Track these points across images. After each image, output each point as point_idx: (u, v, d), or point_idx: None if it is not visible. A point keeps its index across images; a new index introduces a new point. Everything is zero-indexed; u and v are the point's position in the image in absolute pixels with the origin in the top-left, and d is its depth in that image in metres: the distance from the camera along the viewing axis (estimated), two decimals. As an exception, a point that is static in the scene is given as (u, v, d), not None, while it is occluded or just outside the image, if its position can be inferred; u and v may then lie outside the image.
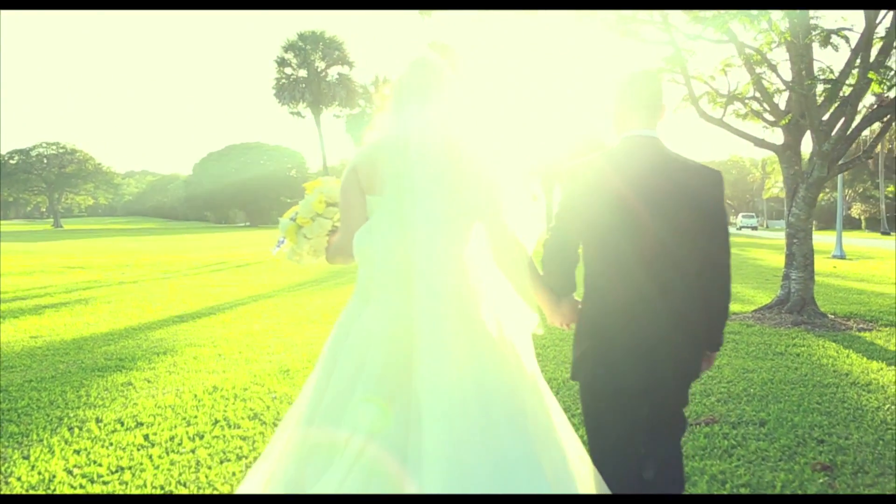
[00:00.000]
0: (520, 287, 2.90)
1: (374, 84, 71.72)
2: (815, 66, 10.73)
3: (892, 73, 10.24)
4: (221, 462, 4.81)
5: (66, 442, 5.21)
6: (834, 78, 10.35)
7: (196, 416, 5.80)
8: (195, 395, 6.42)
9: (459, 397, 2.53)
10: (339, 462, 2.58)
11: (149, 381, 7.00)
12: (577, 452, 2.84)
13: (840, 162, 10.74)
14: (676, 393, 3.19)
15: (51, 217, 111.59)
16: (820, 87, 10.51)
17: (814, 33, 9.82)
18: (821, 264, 11.44)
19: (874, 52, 9.73)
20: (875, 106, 11.60)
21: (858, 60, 9.86)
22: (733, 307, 11.10)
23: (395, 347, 2.67)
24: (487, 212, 2.81)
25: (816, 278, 11.31)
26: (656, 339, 2.97)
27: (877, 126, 11.47)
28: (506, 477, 2.50)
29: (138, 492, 4.33)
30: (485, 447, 2.50)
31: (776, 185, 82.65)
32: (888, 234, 62.53)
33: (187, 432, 5.40)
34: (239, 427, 5.55)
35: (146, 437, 5.31)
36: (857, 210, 78.46)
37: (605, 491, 2.87)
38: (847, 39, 9.72)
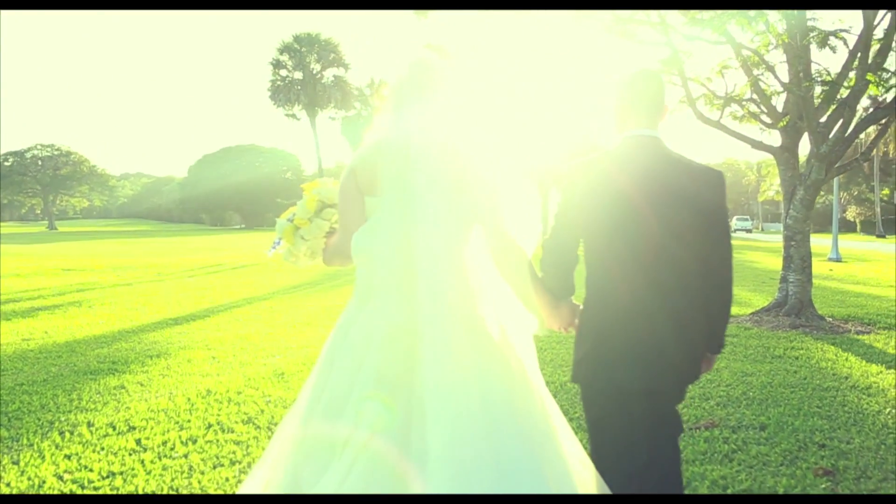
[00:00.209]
0: (519, 290, 2.87)
1: (370, 86, 71.75)
2: (813, 67, 10.69)
3: (889, 74, 10.21)
4: (214, 467, 4.73)
5: (56, 447, 5.13)
6: (831, 80, 10.31)
7: (189, 421, 5.72)
8: (188, 399, 6.34)
9: (464, 402, 2.50)
10: (338, 463, 2.54)
11: (142, 385, 6.92)
12: (578, 457, 2.82)
13: (837, 164, 10.70)
14: (677, 394, 3.17)
15: (45, 219, 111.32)
16: (818, 89, 10.47)
17: (811, 35, 9.77)
18: (817, 267, 11.42)
19: (872, 53, 9.69)
20: (871, 109, 11.58)
21: (856, 62, 9.82)
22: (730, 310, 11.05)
23: (394, 348, 2.65)
24: (487, 214, 2.78)
25: (813, 281, 11.26)
26: (657, 340, 2.94)
27: (872, 129, 11.44)
28: (508, 483, 2.46)
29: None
30: (488, 453, 2.46)
31: (771, 188, 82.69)
32: (883, 236, 62.66)
33: (180, 437, 5.32)
34: (233, 431, 5.47)
35: (138, 441, 5.23)
36: (852, 213, 78.61)
37: (607, 493, 2.84)
38: (845, 41, 9.69)
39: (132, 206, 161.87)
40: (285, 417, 3.00)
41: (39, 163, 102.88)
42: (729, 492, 4.32)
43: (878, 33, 9.74)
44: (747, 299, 13.69)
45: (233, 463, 4.81)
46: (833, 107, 10.34)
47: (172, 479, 4.51)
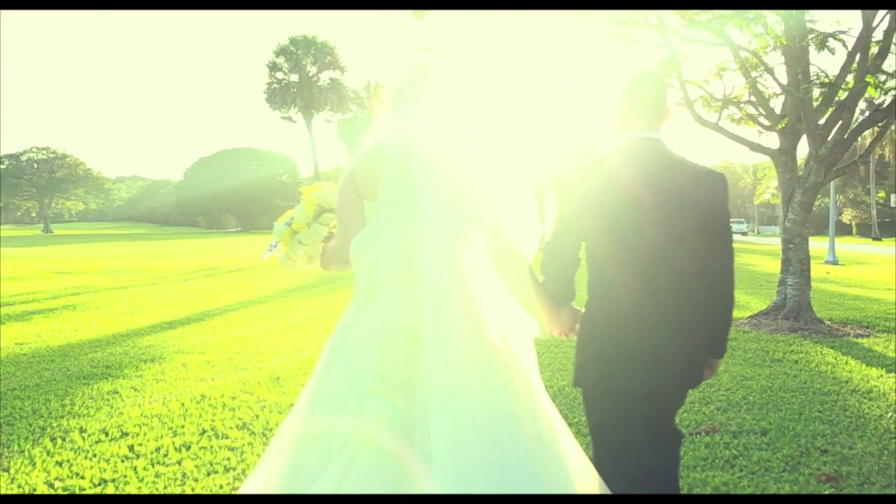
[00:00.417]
0: (519, 294, 2.84)
1: (366, 89, 71.78)
2: (812, 69, 10.64)
3: (886, 77, 10.18)
4: (208, 474, 4.66)
5: (48, 453, 5.05)
6: (830, 81, 10.27)
7: (183, 426, 5.64)
8: (182, 404, 6.26)
9: (468, 408, 2.47)
10: (340, 458, 2.52)
11: (135, 390, 6.84)
12: (580, 462, 2.78)
13: (836, 167, 10.66)
14: (678, 399, 3.16)
15: (41, 222, 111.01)
16: (816, 92, 10.43)
17: (810, 36, 9.73)
18: (814, 270, 11.38)
19: (871, 54, 9.65)
20: (866, 112, 11.55)
21: (855, 64, 9.78)
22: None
23: (393, 350, 2.63)
24: (487, 218, 2.75)
25: (811, 284, 11.21)
26: (658, 344, 2.91)
27: (867, 132, 11.41)
28: (511, 488, 2.44)
29: (121, 506, 4.19)
30: (491, 459, 2.45)
31: (767, 191, 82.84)
32: (879, 239, 62.75)
33: (173, 443, 5.25)
34: (227, 437, 5.40)
35: (131, 447, 5.16)
36: (848, 216, 78.71)
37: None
38: (844, 43, 9.65)
39: (128, 209, 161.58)
40: (282, 423, 2.95)
41: (35, 166, 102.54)
42: (731, 499, 4.26)
43: (877, 35, 9.70)
44: (745, 302, 13.64)
45: (227, 469, 4.73)
46: (832, 109, 10.30)
47: (165, 487, 4.44)
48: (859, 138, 12.03)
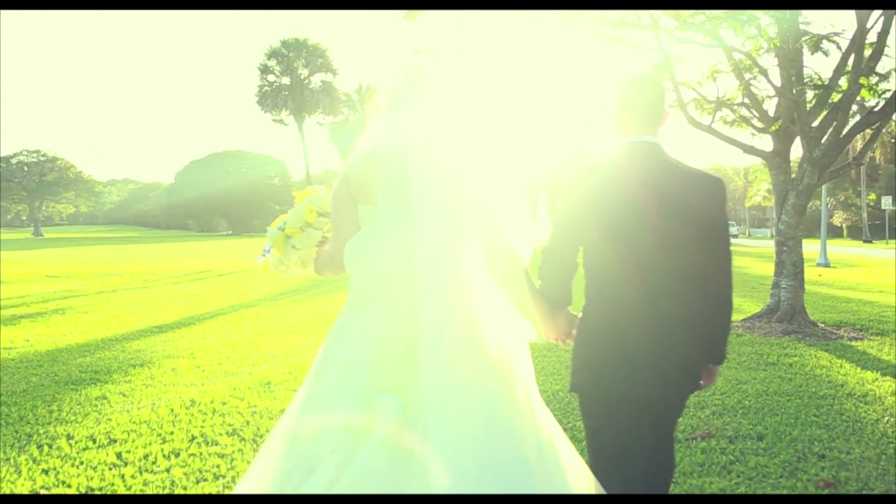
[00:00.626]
0: (515, 299, 2.82)
1: (358, 92, 71.78)
2: (805, 71, 10.62)
3: (877, 79, 10.16)
4: (197, 482, 4.58)
5: (34, 461, 4.96)
6: (823, 84, 10.24)
7: (172, 433, 5.56)
8: (171, 410, 6.17)
9: (466, 415, 2.46)
10: (324, 467, 2.47)
11: (124, 395, 6.75)
12: (577, 468, 2.76)
13: (830, 169, 10.63)
14: (676, 404, 3.14)
15: (31, 225, 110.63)
16: (810, 94, 10.41)
17: (804, 39, 9.70)
18: (806, 272, 11.36)
19: (865, 56, 9.62)
20: (856, 116, 11.54)
21: (849, 66, 9.76)
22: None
23: (388, 356, 2.59)
24: (483, 222, 2.73)
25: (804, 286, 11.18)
26: (655, 349, 2.89)
27: (858, 135, 11.38)
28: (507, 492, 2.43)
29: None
30: (488, 465, 2.43)
31: (758, 194, 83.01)
32: (870, 241, 62.90)
33: (162, 450, 5.16)
34: (217, 444, 5.32)
35: (119, 455, 5.07)
36: (838, 218, 78.87)
37: None
38: (838, 45, 9.62)
39: (119, 212, 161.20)
40: (273, 429, 2.89)
41: (25, 169, 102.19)
42: (729, 505, 4.21)
43: (871, 37, 9.67)
44: (739, 305, 13.60)
45: (216, 477, 4.65)
46: (825, 111, 10.27)
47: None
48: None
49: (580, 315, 3.05)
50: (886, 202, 53.90)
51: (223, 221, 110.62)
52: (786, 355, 8.60)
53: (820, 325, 10.78)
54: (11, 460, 4.96)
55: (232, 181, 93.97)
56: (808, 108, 10.36)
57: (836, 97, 10.13)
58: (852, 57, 9.64)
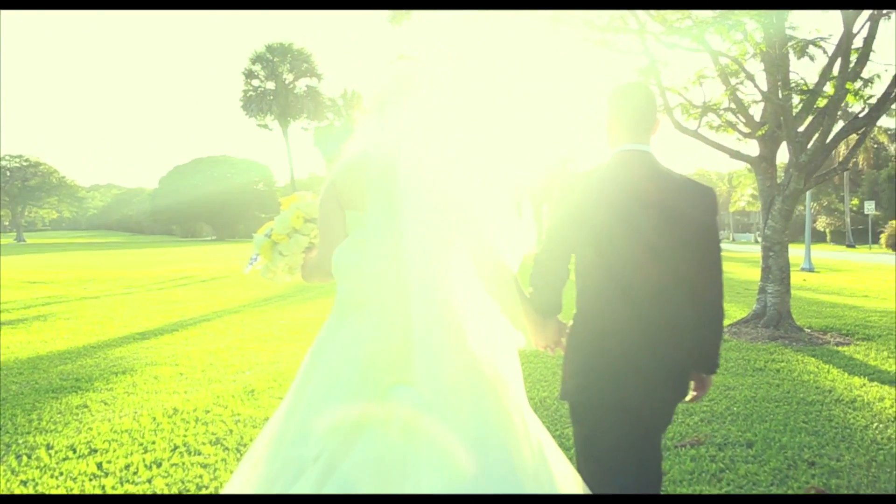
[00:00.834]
0: (505, 306, 2.81)
1: (343, 97, 71.70)
2: (791, 76, 10.62)
3: (863, 83, 10.17)
4: (179, 493, 4.49)
5: (12, 472, 4.85)
6: (809, 89, 10.25)
7: (154, 442, 5.46)
8: (154, 419, 6.07)
9: (456, 422, 2.44)
10: (309, 473, 2.44)
11: (105, 404, 6.65)
12: (566, 472, 2.75)
13: (816, 174, 10.63)
14: (665, 413, 3.13)
15: (13, 231, 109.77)
16: (796, 99, 10.41)
17: (790, 44, 9.70)
18: (791, 277, 11.36)
19: (851, 60, 9.63)
20: (839, 121, 11.56)
21: (835, 71, 9.77)
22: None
23: (375, 363, 2.56)
24: (471, 229, 2.72)
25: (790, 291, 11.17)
26: (643, 357, 2.87)
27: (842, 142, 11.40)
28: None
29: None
30: (478, 471, 2.40)
31: (742, 199, 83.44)
32: (853, 246, 63.24)
33: (144, 460, 5.06)
34: (199, 454, 5.22)
35: (99, 465, 4.97)
36: (822, 223, 79.26)
37: None
38: (824, 50, 9.63)
39: (102, 218, 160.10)
40: (257, 438, 2.82)
41: (7, 174, 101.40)
42: (720, 515, 4.16)
43: (858, 42, 9.67)
44: (725, 310, 13.48)
45: (199, 488, 4.57)
46: (812, 116, 10.28)
47: (134, 507, 4.27)
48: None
49: (570, 323, 3.03)
50: (869, 207, 54.27)
51: (207, 227, 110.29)
52: (773, 361, 8.58)
53: (806, 330, 10.78)
54: (-11, 471, 4.85)
55: (216, 186, 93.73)
56: (794, 113, 10.37)
57: (822, 102, 10.14)
58: (838, 62, 9.64)
